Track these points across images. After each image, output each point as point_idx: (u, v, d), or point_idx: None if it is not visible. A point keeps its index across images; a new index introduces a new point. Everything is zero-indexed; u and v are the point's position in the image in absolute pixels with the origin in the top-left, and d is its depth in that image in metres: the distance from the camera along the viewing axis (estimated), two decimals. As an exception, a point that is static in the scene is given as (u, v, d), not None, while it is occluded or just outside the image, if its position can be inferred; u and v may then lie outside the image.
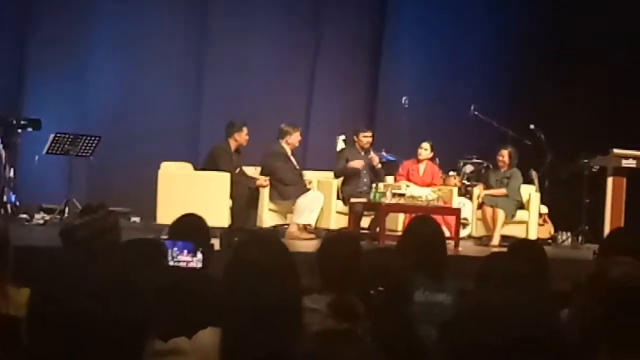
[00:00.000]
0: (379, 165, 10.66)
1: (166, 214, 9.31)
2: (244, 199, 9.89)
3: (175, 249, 3.50)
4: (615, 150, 10.42)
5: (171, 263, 3.43)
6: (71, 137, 10.33)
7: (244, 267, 2.68)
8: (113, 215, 3.66)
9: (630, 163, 10.40)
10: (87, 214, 3.60)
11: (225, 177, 9.80)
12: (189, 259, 3.64)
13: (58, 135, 10.26)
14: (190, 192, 9.50)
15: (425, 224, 4.81)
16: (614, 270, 2.39)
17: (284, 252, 2.78)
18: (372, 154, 10.66)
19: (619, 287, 2.35)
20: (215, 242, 5.45)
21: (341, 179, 10.62)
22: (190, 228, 3.94)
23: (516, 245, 4.35)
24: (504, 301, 2.27)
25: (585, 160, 10.99)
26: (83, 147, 10.40)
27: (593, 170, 10.97)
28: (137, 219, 10.81)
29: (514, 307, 2.14)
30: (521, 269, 3.25)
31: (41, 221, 10.14)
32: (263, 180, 10.17)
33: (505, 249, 4.85)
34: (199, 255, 3.71)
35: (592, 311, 2.35)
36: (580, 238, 11.08)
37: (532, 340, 1.97)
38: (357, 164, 10.49)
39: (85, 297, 1.96)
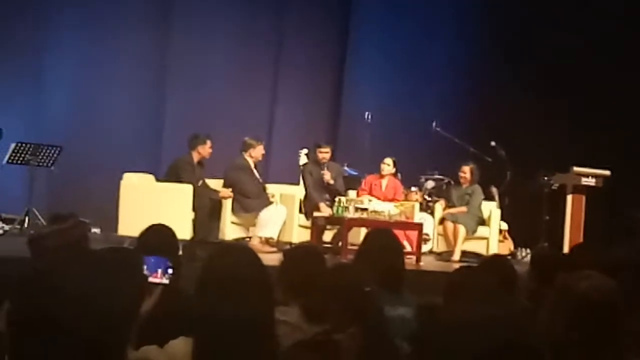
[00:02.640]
0: (332, 181, 10.63)
1: (127, 225, 9.26)
2: (206, 211, 9.85)
3: (146, 264, 3.44)
4: (575, 168, 10.55)
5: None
6: (32, 147, 10.24)
7: (216, 280, 2.67)
8: (82, 225, 3.63)
9: (590, 181, 10.53)
10: (57, 223, 3.57)
11: (188, 189, 9.75)
12: (159, 276, 3.58)
13: (19, 145, 10.17)
14: (153, 203, 9.44)
15: (382, 236, 4.77)
16: (581, 283, 2.43)
17: (257, 264, 2.78)
18: (324, 169, 10.66)
19: (585, 300, 2.39)
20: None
21: (305, 192, 10.64)
22: (159, 239, 3.91)
23: (487, 260, 4.38)
24: (479, 314, 2.29)
25: (545, 178, 11.09)
26: (44, 157, 10.31)
27: (553, 187, 11.07)
28: (97, 230, 10.72)
29: (489, 320, 2.16)
30: (491, 284, 3.28)
31: (0, 231, 10.03)
32: (226, 193, 10.15)
33: (466, 264, 4.89)
34: (169, 271, 3.66)
35: (560, 323, 2.38)
36: (539, 254, 11.15)
37: (509, 353, 2.00)
38: (328, 177, 10.50)
39: (65, 308, 1.95)
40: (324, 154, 10.67)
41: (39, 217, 9.95)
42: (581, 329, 2.44)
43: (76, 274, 2.03)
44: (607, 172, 10.59)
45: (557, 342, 2.48)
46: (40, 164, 10.31)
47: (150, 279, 3.32)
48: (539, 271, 4.29)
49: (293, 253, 4.21)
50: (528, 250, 11.42)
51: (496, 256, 4.81)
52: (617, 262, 3.70)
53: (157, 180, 10.30)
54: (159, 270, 3.40)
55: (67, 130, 11.30)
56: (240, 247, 2.89)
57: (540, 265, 4.37)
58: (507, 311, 2.42)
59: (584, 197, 10.51)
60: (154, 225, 4.01)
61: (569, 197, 10.52)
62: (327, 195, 10.55)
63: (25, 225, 10.02)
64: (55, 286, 2.09)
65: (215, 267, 2.70)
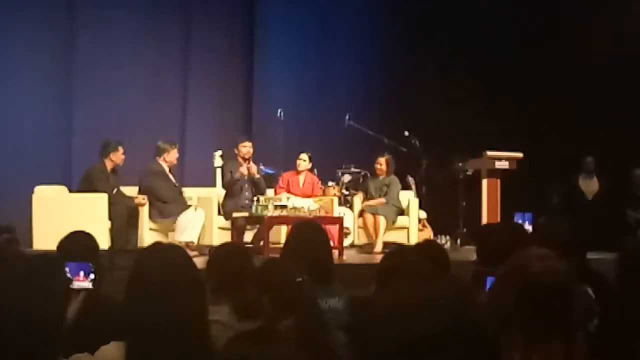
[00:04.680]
0: (258, 175, 10.60)
1: (42, 239, 9.06)
2: (123, 220, 9.71)
3: (68, 269, 3.36)
4: (489, 153, 10.65)
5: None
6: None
7: (147, 280, 2.59)
8: (15, 242, 3.51)
9: (503, 164, 10.65)
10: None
11: (103, 198, 9.61)
12: (82, 280, 3.52)
13: None
14: (67, 215, 9.27)
15: (307, 228, 4.73)
16: (535, 263, 2.40)
17: (187, 263, 2.71)
18: (250, 164, 10.58)
19: (537, 281, 2.36)
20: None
21: (222, 194, 10.54)
22: (80, 246, 3.82)
23: (419, 244, 4.37)
24: (414, 296, 2.25)
25: (460, 164, 11.19)
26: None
27: (467, 173, 11.17)
28: (11, 247, 10.43)
29: (425, 301, 2.12)
30: (424, 265, 3.25)
31: None
32: (141, 199, 10.01)
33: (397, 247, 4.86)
34: (91, 276, 3.60)
35: (508, 302, 2.36)
36: (458, 241, 11.28)
37: (454, 331, 1.96)
38: (243, 170, 10.40)
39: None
40: (247, 148, 10.56)
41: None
42: (528, 309, 2.41)
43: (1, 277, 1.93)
44: (520, 154, 10.72)
45: (502, 321, 2.45)
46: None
47: (74, 284, 3.23)
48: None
49: (219, 251, 4.15)
50: (447, 237, 11.52)
51: (428, 240, 4.81)
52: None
53: (71, 191, 10.10)
54: (82, 275, 3.32)
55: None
56: (170, 247, 2.80)
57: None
58: (444, 290, 2.39)
59: (498, 181, 10.62)
60: (73, 232, 3.92)
61: (484, 182, 10.62)
62: (247, 194, 10.47)
63: None
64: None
65: (145, 268, 2.62)
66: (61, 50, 11.76)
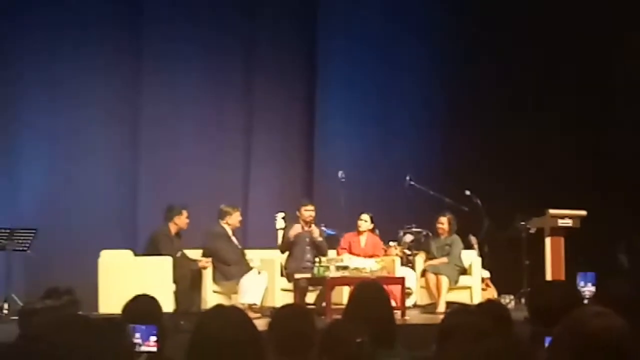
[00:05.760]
0: (320, 238, 10.66)
1: (108, 303, 9.20)
2: (187, 282, 9.82)
3: (134, 332, 3.41)
4: (551, 211, 10.58)
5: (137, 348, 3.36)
6: (7, 231, 10.15)
7: (208, 341, 2.64)
8: (76, 303, 3.58)
9: (567, 222, 10.57)
10: (51, 299, 3.52)
11: (167, 261, 9.72)
12: (146, 344, 3.57)
13: (-7, 230, 10.09)
14: (132, 278, 9.39)
15: (369, 288, 4.65)
16: (594, 321, 2.39)
17: (248, 324, 2.75)
18: (312, 227, 10.67)
19: (595, 338, 2.35)
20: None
21: (285, 256, 10.60)
22: (143, 309, 3.88)
23: (481, 304, 4.34)
24: (476, 355, 2.26)
25: (522, 223, 11.12)
26: (19, 241, 10.22)
27: (530, 232, 11.09)
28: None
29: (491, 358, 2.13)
30: (485, 325, 3.24)
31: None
32: (205, 262, 10.11)
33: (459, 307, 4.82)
34: (154, 339, 3.65)
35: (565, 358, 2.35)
36: (523, 300, 11.15)
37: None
38: (293, 231, 10.47)
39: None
40: (310, 211, 10.66)
41: (19, 303, 9.80)
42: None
43: (65, 340, 1.99)
44: (583, 212, 10.63)
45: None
46: (17, 248, 10.21)
47: (139, 347, 3.28)
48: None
49: (280, 313, 4.16)
50: (511, 297, 11.40)
51: (490, 300, 4.78)
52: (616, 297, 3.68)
53: (136, 255, 10.24)
54: (146, 338, 3.38)
55: (41, 212, 11.15)
56: (230, 308, 2.85)
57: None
58: (503, 350, 2.39)
59: (562, 239, 10.53)
60: (138, 295, 3.98)
61: (548, 240, 10.54)
62: (308, 256, 10.53)
63: (5, 311, 9.87)
64: (44, 352, 2.06)
65: (207, 329, 2.67)
66: (125, 114, 11.95)
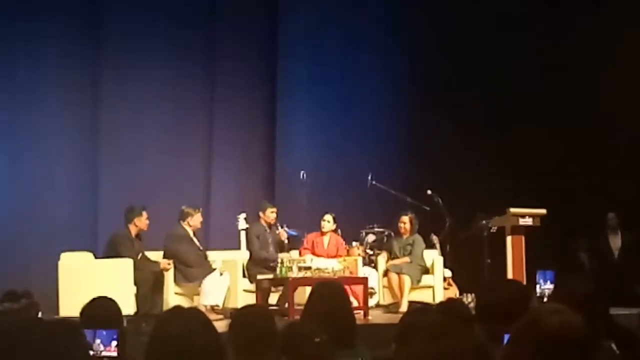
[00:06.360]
0: (286, 240, 10.72)
1: (69, 306, 9.12)
2: (148, 284, 9.76)
3: (99, 340, 3.36)
4: (512, 210, 10.62)
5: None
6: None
7: (167, 344, 2.61)
8: (34, 306, 3.53)
9: (527, 221, 10.61)
10: (9, 301, 3.47)
11: (128, 263, 9.67)
12: (106, 348, 3.52)
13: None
14: (93, 281, 9.36)
15: (327, 287, 4.63)
16: (552, 318, 2.40)
17: (207, 327, 2.73)
18: (280, 229, 10.71)
19: (553, 335, 2.36)
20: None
21: (247, 257, 10.58)
22: (103, 312, 3.84)
23: (441, 302, 4.34)
24: (434, 354, 2.26)
25: (484, 221, 11.16)
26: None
27: (491, 230, 11.13)
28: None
29: (446, 358, 2.13)
30: (445, 323, 3.23)
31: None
32: (166, 264, 10.06)
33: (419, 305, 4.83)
34: (114, 343, 3.60)
35: (524, 358, 2.36)
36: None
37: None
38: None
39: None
40: (274, 213, 10.78)
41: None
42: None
43: (21, 342, 1.96)
44: (543, 211, 10.69)
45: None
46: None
47: (98, 352, 3.24)
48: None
49: (241, 313, 4.13)
50: (473, 295, 11.44)
51: (451, 299, 4.79)
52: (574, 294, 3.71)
53: (96, 257, 10.17)
54: (106, 342, 3.33)
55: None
56: (189, 310, 2.82)
57: None
58: (460, 348, 2.39)
59: (523, 238, 10.58)
60: (96, 298, 3.94)
61: (509, 239, 10.59)
62: (274, 254, 10.55)
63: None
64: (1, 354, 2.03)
65: (165, 331, 2.64)
66: (85, 115, 11.84)
